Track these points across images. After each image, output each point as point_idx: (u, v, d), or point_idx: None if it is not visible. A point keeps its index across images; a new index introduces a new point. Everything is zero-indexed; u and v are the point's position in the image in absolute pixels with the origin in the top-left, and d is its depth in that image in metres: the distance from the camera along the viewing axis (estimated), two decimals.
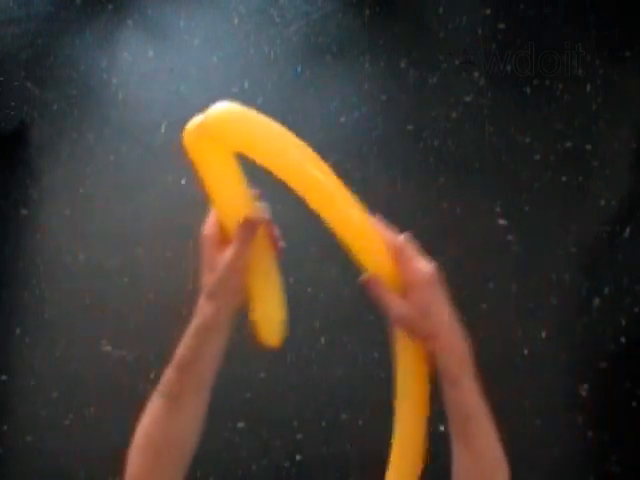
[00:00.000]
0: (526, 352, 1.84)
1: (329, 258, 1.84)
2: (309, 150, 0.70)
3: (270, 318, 0.77)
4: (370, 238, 0.75)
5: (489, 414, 0.73)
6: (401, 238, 0.74)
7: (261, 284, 0.76)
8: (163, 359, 1.98)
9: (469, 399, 0.73)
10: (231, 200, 0.74)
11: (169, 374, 0.73)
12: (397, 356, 0.75)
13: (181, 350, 0.73)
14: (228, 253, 0.71)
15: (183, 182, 2.08)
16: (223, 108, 0.66)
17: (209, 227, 0.77)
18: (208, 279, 0.74)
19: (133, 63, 2.28)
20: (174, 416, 0.72)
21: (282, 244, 0.75)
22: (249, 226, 0.71)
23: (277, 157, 0.69)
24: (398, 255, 0.72)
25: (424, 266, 0.72)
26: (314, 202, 0.71)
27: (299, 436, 1.81)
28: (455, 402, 0.73)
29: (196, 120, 0.68)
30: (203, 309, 0.73)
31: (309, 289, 1.87)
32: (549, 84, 2.10)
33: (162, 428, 0.72)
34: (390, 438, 0.80)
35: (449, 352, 0.71)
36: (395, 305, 0.70)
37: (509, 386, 1.82)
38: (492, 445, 0.75)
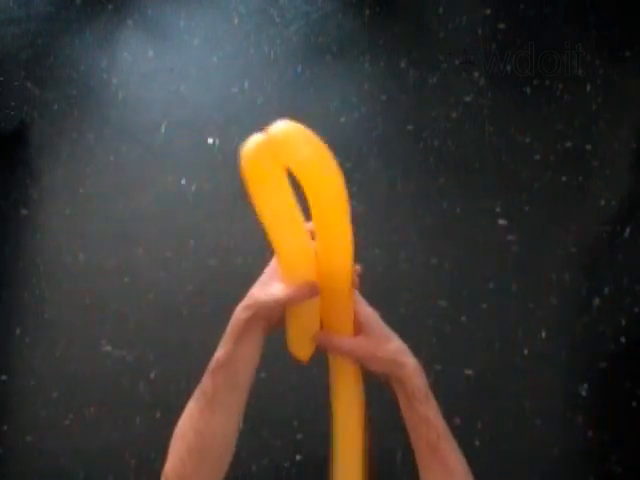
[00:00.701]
0: (526, 352, 1.84)
1: None
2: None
3: (303, 336, 0.80)
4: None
5: (449, 433, 0.78)
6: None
7: (300, 311, 0.78)
8: (163, 359, 1.99)
9: (438, 416, 0.77)
10: (293, 243, 0.73)
11: (206, 375, 0.75)
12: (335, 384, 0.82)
13: (218, 352, 0.74)
14: (281, 292, 0.73)
15: (183, 182, 2.09)
16: (287, 125, 0.68)
17: None
18: (254, 291, 0.75)
19: (133, 63, 2.28)
20: (207, 417, 0.73)
21: (357, 282, 0.80)
22: (313, 290, 0.74)
23: (326, 186, 0.69)
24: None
25: (361, 304, 0.79)
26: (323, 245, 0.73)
27: (299, 436, 1.81)
28: (427, 420, 0.76)
29: (257, 138, 0.68)
30: (237, 314, 0.75)
31: None
32: (549, 84, 2.11)
33: (196, 428, 0.73)
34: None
35: (418, 371, 0.77)
36: (349, 342, 0.77)
37: (509, 386, 1.83)
38: (461, 460, 0.80)
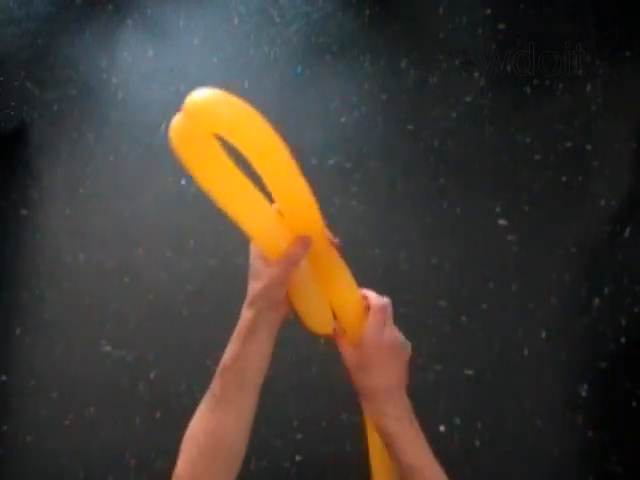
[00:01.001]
0: (526, 352, 1.84)
1: None
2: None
3: (316, 311, 0.79)
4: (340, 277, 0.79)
5: (429, 461, 0.78)
6: (383, 300, 0.81)
7: (305, 285, 0.78)
8: (163, 359, 1.99)
9: (408, 452, 0.77)
10: (259, 219, 0.72)
11: (215, 376, 0.75)
12: None
13: (226, 353, 0.75)
14: (273, 269, 0.73)
15: (183, 182, 2.08)
16: (203, 92, 0.65)
17: None
18: (252, 287, 0.75)
19: (133, 63, 2.28)
20: (217, 416, 0.73)
21: (338, 241, 0.78)
22: (303, 244, 0.73)
23: (263, 146, 0.67)
24: (373, 312, 0.79)
25: (390, 332, 0.80)
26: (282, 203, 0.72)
27: (299, 436, 1.81)
28: (395, 456, 0.77)
29: (177, 117, 0.65)
30: (244, 314, 0.75)
31: None
32: (549, 84, 2.10)
33: (206, 428, 0.73)
34: None
35: (380, 413, 0.78)
36: (343, 350, 0.79)
37: (509, 386, 1.83)
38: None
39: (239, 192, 0.69)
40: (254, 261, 0.76)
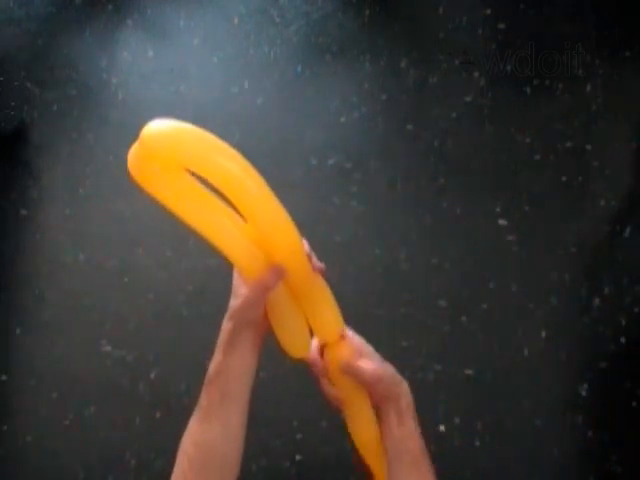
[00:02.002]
0: (526, 352, 1.84)
1: (330, 258, 1.84)
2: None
3: (293, 334, 0.79)
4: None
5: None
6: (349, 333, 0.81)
7: (282, 308, 0.77)
8: (163, 359, 1.99)
9: (420, 432, 0.79)
10: (234, 242, 0.70)
11: (203, 388, 0.76)
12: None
13: (210, 366, 0.76)
14: (246, 291, 0.74)
15: None
16: (156, 125, 0.62)
17: None
18: (230, 302, 0.77)
19: (133, 63, 2.28)
20: (204, 428, 0.74)
21: (322, 266, 0.77)
22: (276, 272, 0.72)
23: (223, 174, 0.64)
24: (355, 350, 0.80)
25: (370, 361, 0.79)
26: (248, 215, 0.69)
27: (299, 436, 1.81)
28: (413, 435, 0.78)
29: (133, 150, 0.64)
30: (223, 326, 0.76)
31: None
32: (549, 84, 2.11)
33: (195, 441, 0.74)
34: None
35: (408, 388, 0.79)
36: (365, 366, 0.79)
37: (509, 386, 1.83)
38: (435, 477, 0.79)
39: (209, 216, 0.67)
40: (235, 277, 0.77)
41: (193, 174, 0.65)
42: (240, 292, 0.74)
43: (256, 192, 0.66)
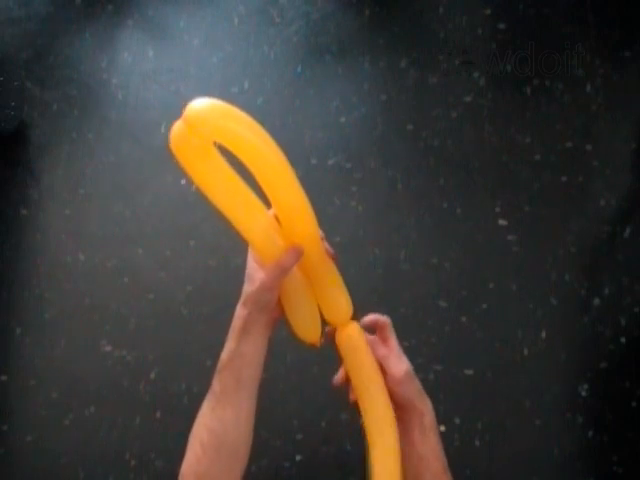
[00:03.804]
0: (526, 352, 1.84)
1: None
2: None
3: (305, 320, 0.81)
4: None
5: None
6: (383, 318, 0.82)
7: (296, 292, 0.79)
8: (163, 359, 1.99)
9: (443, 449, 0.79)
10: (256, 225, 0.74)
11: (214, 374, 0.77)
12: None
13: (223, 352, 0.77)
14: (263, 274, 0.75)
15: (183, 182, 2.08)
16: (202, 101, 0.66)
17: None
18: (245, 288, 0.78)
19: (133, 63, 2.28)
20: (217, 414, 0.75)
21: (333, 252, 0.80)
22: (294, 254, 0.74)
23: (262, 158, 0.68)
24: (379, 332, 0.82)
25: (403, 362, 0.81)
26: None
27: (299, 436, 1.81)
28: (436, 451, 0.79)
29: (176, 126, 0.67)
30: (236, 313, 0.77)
31: None
32: (549, 84, 2.11)
33: (208, 425, 0.76)
34: None
35: (431, 405, 0.80)
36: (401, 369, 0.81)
37: (509, 386, 1.83)
38: None
39: (236, 197, 0.71)
40: (250, 263, 0.78)
41: (222, 151, 0.69)
42: (257, 276, 0.75)
43: (283, 175, 0.70)
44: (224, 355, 0.76)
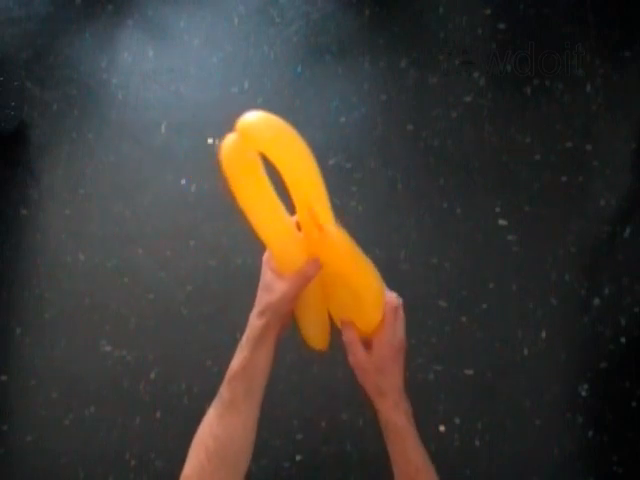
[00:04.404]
0: (526, 352, 1.84)
1: None
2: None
3: (316, 326, 0.83)
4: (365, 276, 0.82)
5: (430, 463, 0.79)
6: (397, 299, 0.83)
7: (306, 302, 0.81)
8: (163, 359, 1.99)
9: (417, 450, 0.78)
10: (280, 234, 0.76)
11: (223, 382, 0.77)
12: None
13: (234, 360, 0.77)
14: (286, 284, 0.75)
15: (183, 182, 2.09)
16: (255, 114, 0.70)
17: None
18: (262, 298, 0.78)
19: (133, 63, 2.28)
20: (225, 421, 0.75)
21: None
22: (314, 267, 0.76)
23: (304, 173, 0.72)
24: (388, 312, 0.81)
25: (400, 332, 0.82)
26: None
27: (299, 436, 1.81)
28: (405, 454, 0.78)
29: (231, 136, 0.71)
30: (252, 323, 0.77)
31: None
32: (549, 84, 2.11)
33: (215, 432, 0.75)
34: None
35: (396, 409, 0.79)
36: (357, 354, 0.79)
37: (509, 386, 1.83)
38: None
39: (266, 204, 0.74)
40: (266, 273, 0.78)
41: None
42: (277, 286, 0.76)
43: (316, 191, 0.74)
44: (236, 364, 0.76)
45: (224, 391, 0.76)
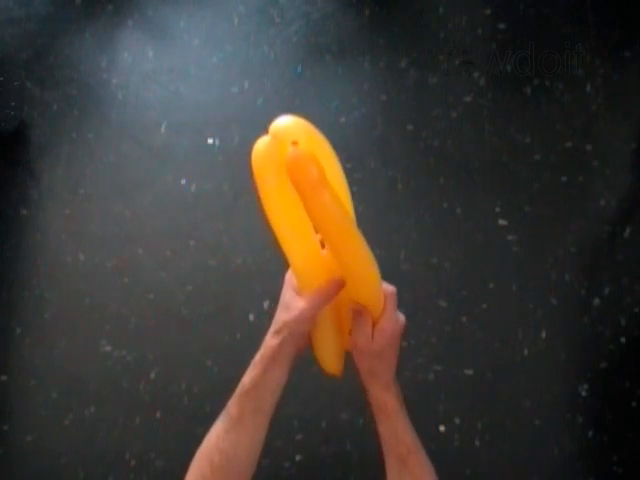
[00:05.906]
0: (526, 352, 1.84)
1: None
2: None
3: (332, 352, 0.82)
4: (371, 273, 0.79)
5: (421, 446, 0.79)
6: (392, 288, 0.80)
7: (323, 325, 0.80)
8: (163, 359, 2.00)
9: (408, 432, 0.79)
10: (304, 249, 0.74)
11: (233, 397, 0.76)
12: None
13: (245, 376, 0.76)
14: (304, 303, 0.74)
15: (183, 182, 2.09)
16: (289, 118, 0.70)
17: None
18: (279, 316, 0.77)
19: (133, 63, 2.28)
20: (232, 437, 0.74)
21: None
22: (335, 286, 0.74)
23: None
24: (388, 299, 0.79)
25: (399, 319, 0.81)
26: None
27: (299, 436, 1.81)
28: (396, 434, 0.78)
29: (263, 139, 0.70)
30: (268, 341, 0.76)
31: None
32: (549, 84, 2.11)
33: (221, 448, 0.74)
34: None
35: (387, 390, 0.79)
36: (367, 338, 0.78)
37: (509, 386, 1.83)
38: (432, 475, 0.79)
39: (292, 219, 0.73)
40: (286, 291, 0.77)
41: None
42: (295, 305, 0.74)
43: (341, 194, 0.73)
44: (247, 381, 0.75)
45: (232, 406, 0.75)
